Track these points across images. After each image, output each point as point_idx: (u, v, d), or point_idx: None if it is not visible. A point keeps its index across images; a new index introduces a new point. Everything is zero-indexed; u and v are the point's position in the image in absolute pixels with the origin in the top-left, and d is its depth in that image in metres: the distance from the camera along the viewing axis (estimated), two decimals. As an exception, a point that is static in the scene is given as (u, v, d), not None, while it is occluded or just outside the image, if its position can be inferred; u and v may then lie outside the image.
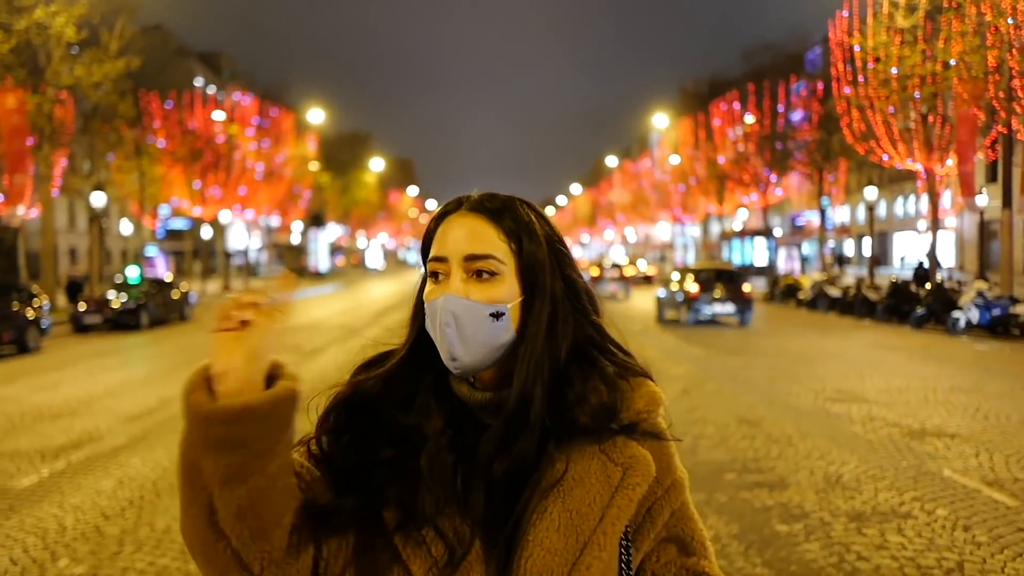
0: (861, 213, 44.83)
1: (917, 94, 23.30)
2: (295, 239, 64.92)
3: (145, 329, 20.71)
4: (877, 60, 24.27)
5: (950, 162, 23.78)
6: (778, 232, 47.86)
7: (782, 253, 49.24)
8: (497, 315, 1.04)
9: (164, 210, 42.15)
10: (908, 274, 27.53)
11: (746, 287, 20.94)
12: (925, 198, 27.73)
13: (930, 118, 23.98)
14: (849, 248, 49.19)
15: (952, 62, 21.24)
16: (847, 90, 25.94)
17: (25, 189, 23.75)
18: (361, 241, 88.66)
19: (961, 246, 35.69)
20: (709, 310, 20.63)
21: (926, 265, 24.25)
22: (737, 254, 51.82)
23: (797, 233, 50.67)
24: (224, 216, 40.62)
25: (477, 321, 1.04)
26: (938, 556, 4.80)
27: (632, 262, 52.95)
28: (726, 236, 53.23)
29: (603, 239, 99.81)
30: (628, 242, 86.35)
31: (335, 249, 78.79)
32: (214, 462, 0.90)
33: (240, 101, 43.09)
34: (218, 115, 38.92)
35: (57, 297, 25.51)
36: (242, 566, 0.93)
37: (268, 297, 0.94)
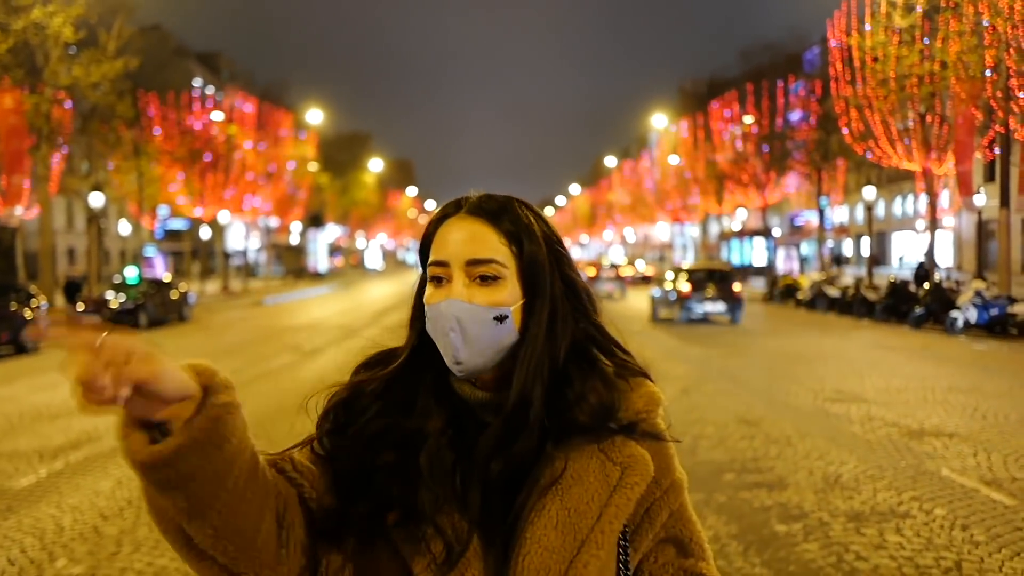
0: (860, 213, 44.86)
1: (915, 93, 23.34)
2: (294, 239, 64.91)
3: (144, 330, 20.67)
4: (875, 60, 24.30)
5: (949, 162, 23.81)
6: (777, 232, 47.90)
7: (781, 253, 49.28)
8: (501, 318, 1.05)
9: (163, 210, 42.11)
10: (906, 274, 27.56)
11: (736, 286, 21.48)
12: (923, 198, 27.75)
13: (928, 118, 24.01)
14: (848, 248, 49.23)
15: (949, 61, 21.27)
16: (847, 89, 25.98)
17: (23, 189, 23.76)
18: (360, 241, 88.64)
19: (959, 246, 35.73)
20: (700, 308, 21.21)
21: (927, 265, 24.27)
22: (736, 254, 51.86)
23: (796, 233, 50.70)
24: (223, 216, 40.60)
25: (481, 325, 1.04)
26: (936, 555, 4.80)
27: (631, 262, 53.09)
28: (725, 236, 53.29)
29: (602, 240, 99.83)
30: (627, 243, 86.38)
31: (334, 249, 78.77)
32: (171, 501, 0.87)
33: (241, 107, 43.05)
34: (217, 115, 38.91)
35: (55, 297, 25.47)
36: None
37: (101, 339, 0.78)
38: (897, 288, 21.67)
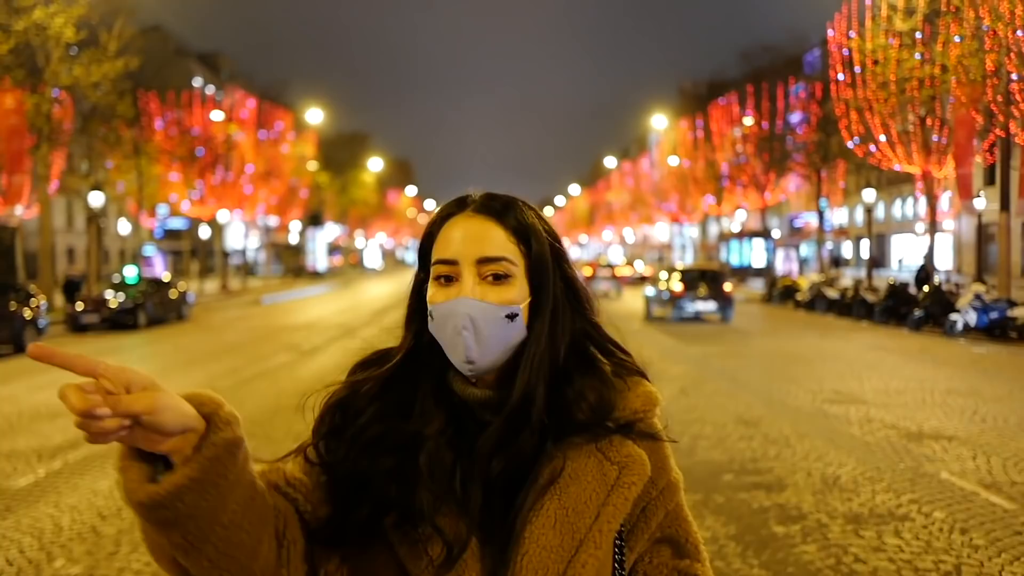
0: (859, 215, 44.89)
1: (915, 96, 23.34)
2: (293, 238, 64.91)
3: (143, 329, 20.70)
4: (875, 63, 24.31)
5: (949, 166, 23.81)
6: (776, 233, 47.91)
7: (780, 254, 49.29)
8: (512, 316, 1.04)
9: (162, 210, 42.11)
10: (906, 276, 27.54)
11: (727, 286, 22.26)
12: (923, 201, 27.76)
13: (928, 121, 24.02)
14: (847, 250, 49.24)
15: (950, 65, 21.27)
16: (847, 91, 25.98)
17: (23, 189, 23.74)
18: (359, 241, 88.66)
19: (959, 249, 35.75)
20: (692, 307, 21.96)
21: (928, 268, 24.25)
22: (735, 255, 51.88)
23: (795, 234, 50.72)
24: (222, 216, 40.59)
25: (494, 323, 1.03)
26: (935, 559, 4.80)
27: (629, 262, 53.20)
28: (724, 237, 53.28)
29: (601, 240, 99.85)
30: (626, 243, 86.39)
31: (333, 249, 78.80)
32: (168, 538, 0.85)
33: (241, 112, 43.04)
34: (216, 115, 38.91)
35: (54, 297, 25.47)
36: None
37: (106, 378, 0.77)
38: (896, 290, 21.68)
